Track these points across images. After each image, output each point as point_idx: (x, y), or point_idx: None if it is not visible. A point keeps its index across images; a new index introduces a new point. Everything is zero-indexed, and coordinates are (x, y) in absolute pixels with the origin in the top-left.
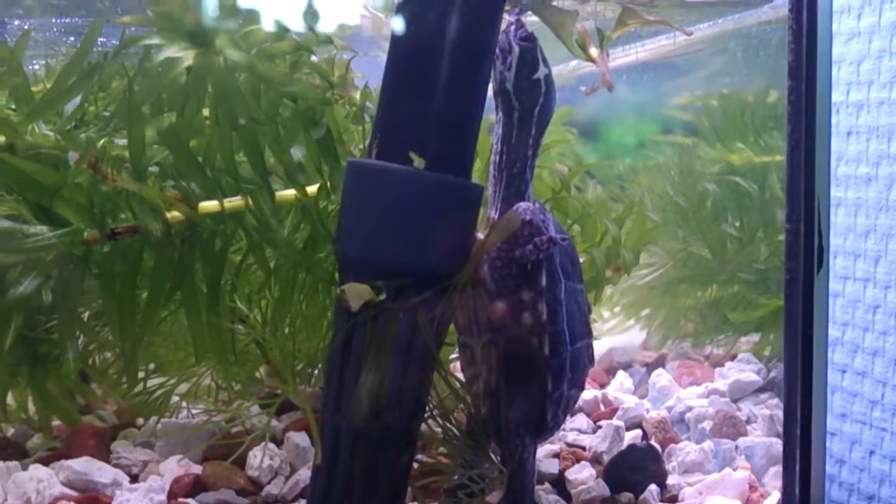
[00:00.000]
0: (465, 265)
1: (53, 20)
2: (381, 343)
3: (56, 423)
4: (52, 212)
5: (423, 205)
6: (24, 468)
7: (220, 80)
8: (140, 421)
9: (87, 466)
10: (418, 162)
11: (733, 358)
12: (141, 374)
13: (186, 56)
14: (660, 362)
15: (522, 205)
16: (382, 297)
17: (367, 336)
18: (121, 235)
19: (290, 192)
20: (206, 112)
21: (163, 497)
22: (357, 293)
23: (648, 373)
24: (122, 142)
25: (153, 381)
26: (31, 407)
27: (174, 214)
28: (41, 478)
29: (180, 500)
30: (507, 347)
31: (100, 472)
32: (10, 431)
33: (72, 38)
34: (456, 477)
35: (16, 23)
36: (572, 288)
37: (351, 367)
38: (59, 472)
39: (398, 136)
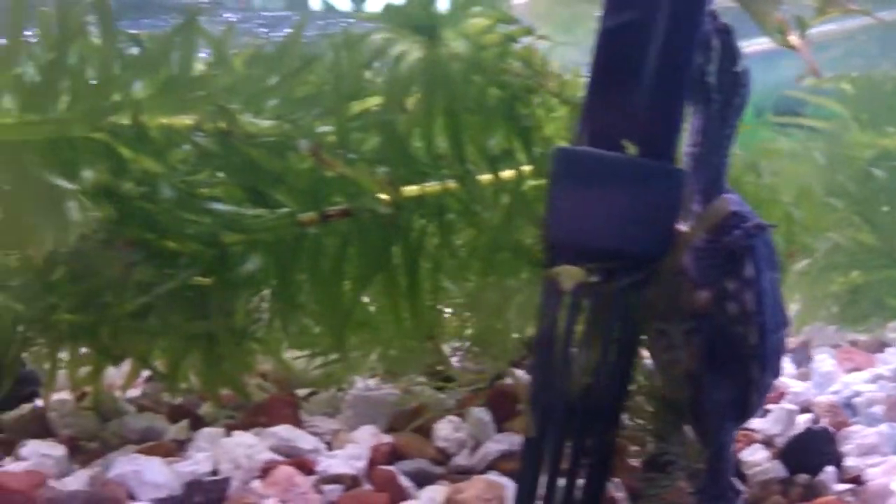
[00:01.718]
0: (669, 251)
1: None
2: (593, 323)
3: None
4: (265, 195)
5: (633, 190)
6: (228, 435)
7: (442, 71)
8: (300, 392)
9: (290, 433)
10: (630, 148)
11: (886, 344)
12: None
13: (414, 48)
14: (805, 347)
15: (728, 195)
16: (594, 278)
17: (579, 316)
18: (332, 218)
19: (491, 177)
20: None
21: (362, 464)
22: (569, 274)
23: (795, 358)
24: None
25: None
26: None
27: (382, 197)
28: (250, 443)
29: (380, 467)
30: (709, 335)
31: (301, 438)
32: (178, 400)
33: (265, 30)
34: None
35: (144, 21)
36: (771, 277)
37: (561, 345)
38: (263, 439)
39: (609, 121)
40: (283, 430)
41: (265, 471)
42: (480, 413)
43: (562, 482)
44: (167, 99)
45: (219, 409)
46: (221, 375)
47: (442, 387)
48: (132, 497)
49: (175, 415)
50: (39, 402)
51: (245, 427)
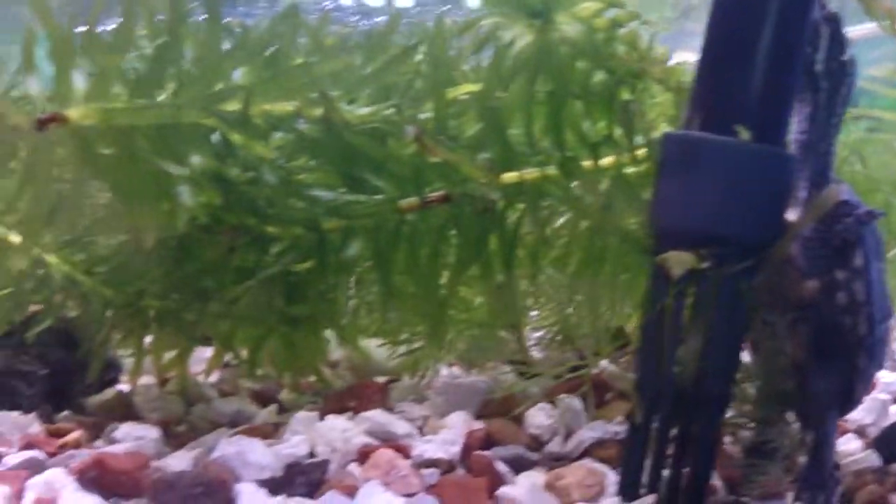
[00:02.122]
0: (779, 238)
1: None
2: (702, 310)
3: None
4: (361, 180)
5: (745, 175)
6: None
7: (550, 55)
8: (379, 379)
9: (384, 418)
10: (743, 133)
11: None
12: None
13: (526, 32)
14: None
15: (839, 185)
16: (704, 264)
17: (688, 303)
18: (432, 203)
19: (592, 163)
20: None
21: (457, 449)
22: (679, 260)
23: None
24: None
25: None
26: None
27: (480, 184)
28: (344, 427)
29: (477, 452)
30: (816, 325)
31: (395, 423)
32: (257, 385)
33: (356, 17)
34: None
35: (239, 9)
36: (878, 267)
37: (670, 332)
38: (358, 423)
39: (721, 106)
40: (378, 415)
41: (363, 454)
42: (572, 401)
43: (666, 469)
44: (271, 86)
45: (298, 395)
46: (301, 361)
47: (528, 375)
48: (236, 478)
49: (257, 400)
50: (120, 387)
51: (335, 411)
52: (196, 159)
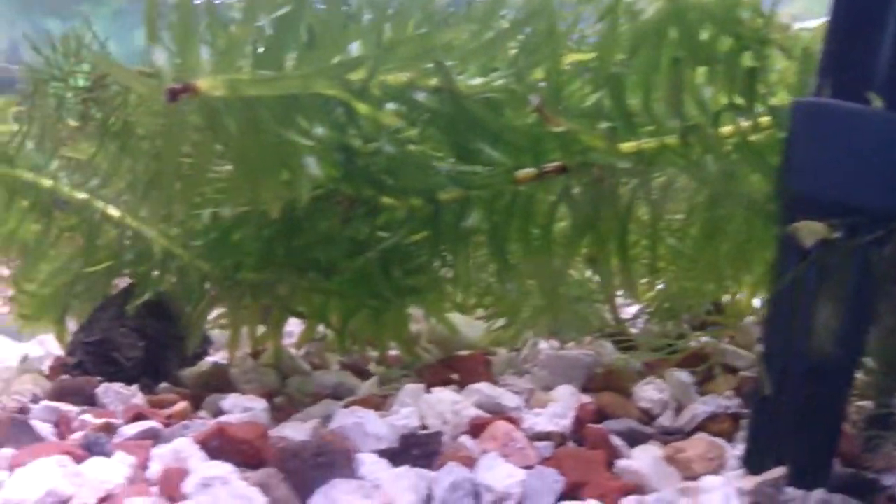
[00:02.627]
0: None
1: None
2: (835, 281)
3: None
4: (475, 151)
5: (878, 144)
6: (427, 391)
7: (679, 20)
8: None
9: (493, 390)
10: (876, 101)
11: None
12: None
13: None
14: None
15: None
16: (837, 234)
17: (821, 274)
18: (549, 174)
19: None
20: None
21: (566, 422)
22: (811, 230)
23: None
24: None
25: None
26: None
27: (597, 155)
28: (454, 400)
29: (589, 425)
30: None
31: (504, 396)
32: (344, 358)
33: None
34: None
35: None
36: None
37: (802, 304)
38: (467, 395)
39: (851, 73)
40: (486, 388)
41: (474, 426)
42: (681, 375)
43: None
44: (388, 56)
45: (386, 368)
46: (389, 335)
47: (628, 349)
48: (355, 448)
49: (348, 373)
50: (209, 359)
51: (437, 384)
52: (319, 130)
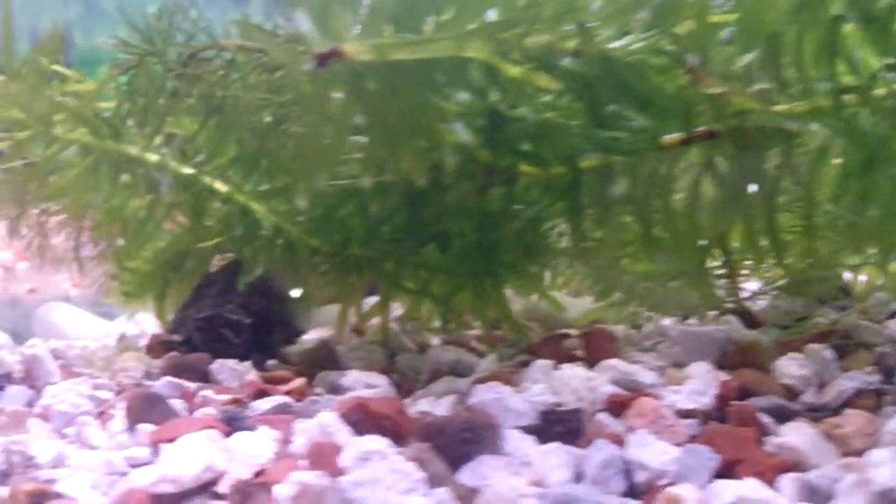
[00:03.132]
0: None
1: None
2: None
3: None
4: (615, 116)
5: None
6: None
7: None
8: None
9: (629, 367)
10: None
11: None
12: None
13: None
14: None
15: None
16: None
17: None
18: (696, 140)
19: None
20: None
21: (706, 399)
22: None
23: None
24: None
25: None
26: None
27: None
28: (588, 376)
29: (735, 402)
30: None
31: (640, 373)
32: (441, 336)
33: None
34: None
35: None
36: None
37: None
38: (602, 372)
39: None
40: (620, 364)
41: (614, 403)
42: (824, 351)
43: None
44: (533, 17)
45: (489, 346)
46: (493, 312)
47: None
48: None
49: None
50: (307, 337)
51: (563, 360)
52: (462, 95)
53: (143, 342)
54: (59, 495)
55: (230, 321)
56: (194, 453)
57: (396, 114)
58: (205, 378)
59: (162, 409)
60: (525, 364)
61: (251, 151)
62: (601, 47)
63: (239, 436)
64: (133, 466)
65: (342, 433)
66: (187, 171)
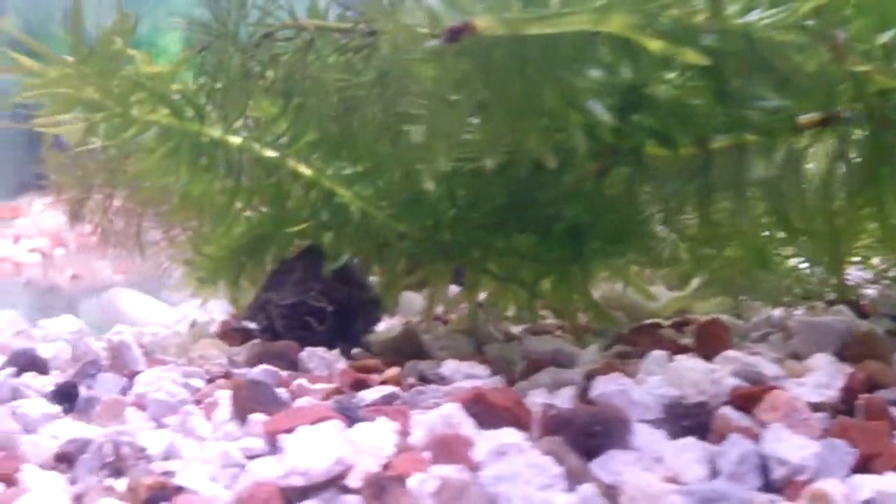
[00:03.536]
0: None
1: None
2: None
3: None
4: (743, 96)
5: None
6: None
7: None
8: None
9: (750, 359)
10: None
11: None
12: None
13: None
14: None
15: None
16: None
17: None
18: (834, 120)
19: None
20: None
21: (831, 392)
22: None
23: None
24: None
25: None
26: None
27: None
28: (711, 368)
29: (863, 395)
30: None
31: (762, 365)
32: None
33: None
34: None
35: None
36: None
37: None
38: (723, 364)
39: None
40: (742, 356)
41: (739, 396)
42: None
43: None
44: None
45: (574, 335)
46: (583, 299)
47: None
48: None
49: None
50: (382, 326)
51: (674, 351)
52: (595, 72)
53: (213, 329)
54: (179, 489)
55: (314, 308)
56: (321, 445)
57: (524, 91)
58: (293, 366)
59: (270, 399)
60: (624, 355)
61: (334, 134)
62: (736, 22)
63: (360, 427)
64: (249, 458)
65: (466, 425)
66: (271, 154)
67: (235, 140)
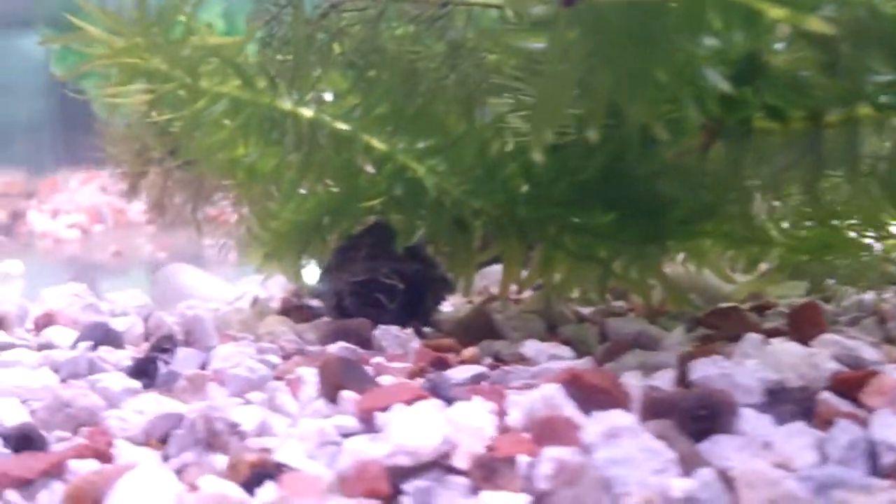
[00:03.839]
0: None
1: None
2: None
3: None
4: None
5: None
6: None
7: None
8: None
9: (850, 342)
10: None
11: None
12: None
13: None
14: None
15: None
16: None
17: None
18: None
19: None
20: None
21: None
22: None
23: None
24: None
25: None
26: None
27: None
28: (810, 352)
29: None
30: None
31: (862, 349)
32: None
33: None
34: None
35: None
36: None
37: None
38: (822, 347)
39: None
40: (842, 340)
41: (840, 380)
42: None
43: None
44: None
45: (650, 318)
46: (658, 280)
47: None
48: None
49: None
50: (447, 306)
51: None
52: (710, 40)
53: (274, 305)
54: (280, 466)
55: (384, 286)
56: (423, 424)
57: (637, 59)
58: (366, 345)
59: (360, 376)
60: (708, 339)
61: (406, 108)
62: None
63: (459, 407)
64: (344, 436)
65: (567, 407)
66: (343, 127)
67: (307, 113)
